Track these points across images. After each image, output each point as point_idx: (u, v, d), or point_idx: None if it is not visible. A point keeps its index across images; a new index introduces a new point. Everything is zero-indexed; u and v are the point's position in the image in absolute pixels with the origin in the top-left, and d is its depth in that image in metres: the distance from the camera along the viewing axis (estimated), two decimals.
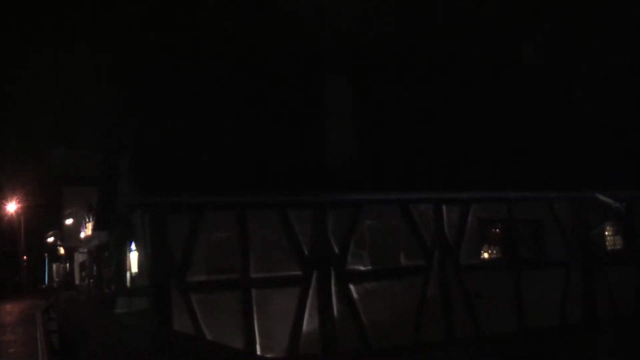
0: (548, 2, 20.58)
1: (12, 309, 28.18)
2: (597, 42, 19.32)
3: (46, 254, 61.11)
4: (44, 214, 53.25)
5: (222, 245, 12.32)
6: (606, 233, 16.59)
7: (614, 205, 15.79)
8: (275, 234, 12.76)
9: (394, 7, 19.28)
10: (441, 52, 17.04)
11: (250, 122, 13.53)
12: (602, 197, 15.67)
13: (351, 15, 17.83)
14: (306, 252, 12.85)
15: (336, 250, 13.10)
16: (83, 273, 37.22)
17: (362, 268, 13.27)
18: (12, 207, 51.34)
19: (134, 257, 14.56)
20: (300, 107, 14.28)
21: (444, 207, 14.13)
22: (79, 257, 38.92)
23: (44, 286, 54.01)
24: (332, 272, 13.00)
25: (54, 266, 58.65)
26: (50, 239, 53.52)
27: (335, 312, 12.88)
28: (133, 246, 14.52)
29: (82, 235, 33.35)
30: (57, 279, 54.44)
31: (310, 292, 12.77)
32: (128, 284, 15.28)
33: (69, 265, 44.61)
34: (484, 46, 18.24)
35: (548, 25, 20.47)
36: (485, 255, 14.84)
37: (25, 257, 55.68)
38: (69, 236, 39.97)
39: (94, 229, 23.38)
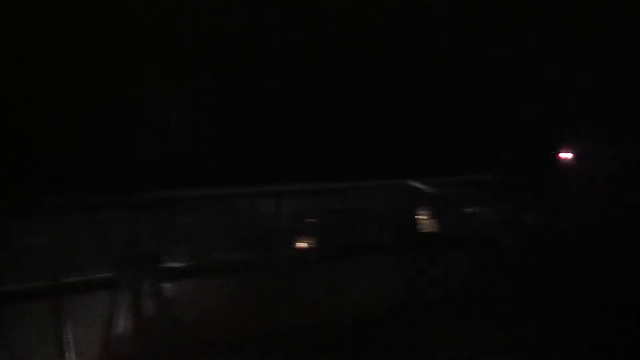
0: None
1: None
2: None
3: None
4: None
5: (27, 251, 11.75)
6: (423, 218, 17.41)
7: (428, 191, 16.66)
8: (87, 236, 12.28)
9: None
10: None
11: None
12: (416, 184, 16.49)
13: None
14: (119, 253, 12.46)
15: (150, 249, 12.85)
16: None
17: (176, 266, 13.12)
18: None
19: None
20: None
21: (260, 200, 14.28)
22: None
23: None
24: (147, 272, 12.71)
25: None
26: None
27: (150, 313, 12.63)
28: None
29: None
30: None
31: (124, 293, 12.34)
32: None
33: None
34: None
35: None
36: (303, 245, 15.15)
37: None
38: None
39: None
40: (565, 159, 18.73)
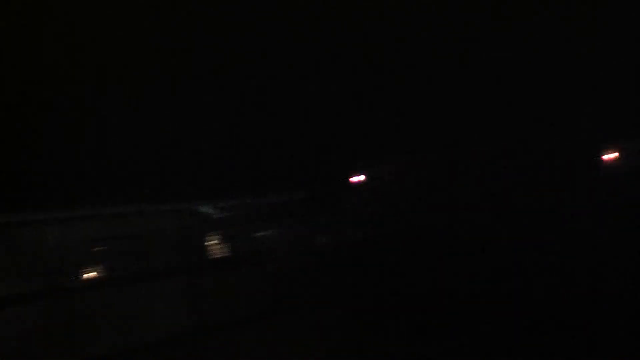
0: None
1: None
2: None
3: None
4: None
5: None
6: (212, 241, 17.63)
7: (218, 214, 16.95)
8: None
9: None
10: None
11: None
12: (203, 208, 16.71)
13: None
14: None
15: None
16: None
17: None
18: None
19: None
20: None
21: (46, 228, 13.62)
22: None
23: None
24: None
25: None
26: None
27: None
28: None
29: None
30: None
31: None
32: None
33: None
34: None
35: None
36: (93, 274, 14.69)
37: None
38: None
39: None
40: (361, 181, 19.96)
